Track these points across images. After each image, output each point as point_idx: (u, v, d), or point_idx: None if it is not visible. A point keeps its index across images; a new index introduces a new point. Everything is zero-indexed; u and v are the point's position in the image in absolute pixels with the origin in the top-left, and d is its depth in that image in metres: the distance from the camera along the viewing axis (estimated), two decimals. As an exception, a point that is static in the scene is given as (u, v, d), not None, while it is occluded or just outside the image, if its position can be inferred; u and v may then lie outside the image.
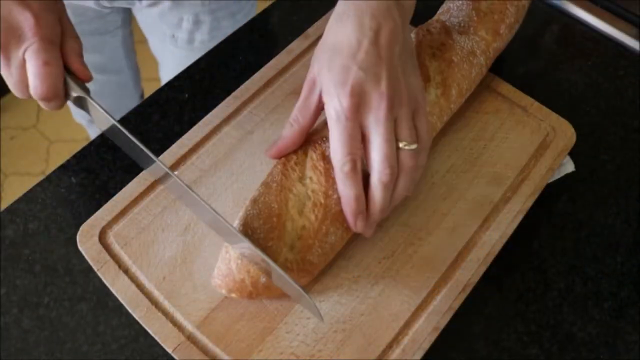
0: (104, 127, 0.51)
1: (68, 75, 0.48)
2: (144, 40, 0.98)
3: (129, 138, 0.48)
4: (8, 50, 0.46)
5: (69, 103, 0.51)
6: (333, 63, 0.47)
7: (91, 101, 0.48)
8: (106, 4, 0.82)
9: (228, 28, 0.87)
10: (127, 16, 0.94)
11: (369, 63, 0.47)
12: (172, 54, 0.91)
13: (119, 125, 0.48)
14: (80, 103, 0.49)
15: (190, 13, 0.83)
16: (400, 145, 0.48)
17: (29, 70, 0.46)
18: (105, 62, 0.97)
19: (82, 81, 0.50)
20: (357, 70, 0.46)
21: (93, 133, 1.21)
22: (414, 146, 0.48)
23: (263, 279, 0.47)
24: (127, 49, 1.01)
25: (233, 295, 0.49)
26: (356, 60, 0.47)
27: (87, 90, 0.49)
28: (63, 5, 0.50)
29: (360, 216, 0.48)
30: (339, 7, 0.50)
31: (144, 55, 1.07)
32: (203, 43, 0.88)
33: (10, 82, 0.48)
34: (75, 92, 0.48)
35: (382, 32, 0.47)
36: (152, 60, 1.03)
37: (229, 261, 0.48)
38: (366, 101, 0.47)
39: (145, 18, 0.88)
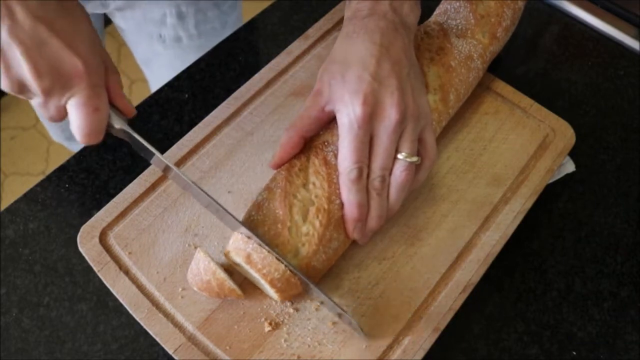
0: (145, 154, 0.50)
1: (110, 109, 0.47)
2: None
3: (168, 165, 0.49)
4: (50, 95, 0.43)
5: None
6: (347, 74, 0.48)
7: (131, 131, 0.48)
8: None
9: (215, 20, 0.86)
10: (102, 29, 0.93)
11: (382, 76, 0.48)
12: (162, 57, 0.89)
13: (159, 155, 0.49)
14: (120, 133, 0.49)
15: (172, 6, 0.81)
16: (400, 156, 0.49)
17: (76, 117, 0.44)
18: None
19: (125, 116, 0.49)
20: (372, 81, 0.48)
21: (74, 148, 1.18)
22: (414, 159, 0.49)
23: (229, 284, 0.48)
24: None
25: (203, 293, 0.49)
26: (370, 72, 0.48)
27: (126, 121, 0.48)
28: (101, 40, 0.47)
29: (359, 224, 0.49)
30: (347, 27, 0.51)
31: (130, 57, 1.05)
32: (192, 39, 0.86)
33: (42, 114, 0.47)
34: (118, 124, 0.47)
35: (392, 49, 0.49)
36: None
37: (199, 261, 0.48)
38: (378, 111, 0.48)
39: (129, 22, 0.86)
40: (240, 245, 0.48)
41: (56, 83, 0.43)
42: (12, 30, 0.41)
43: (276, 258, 0.47)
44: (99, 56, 0.45)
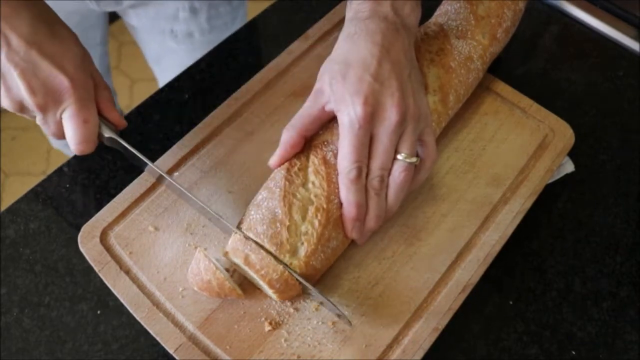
0: (138, 163, 0.54)
1: (100, 119, 0.51)
2: (133, 42, 0.97)
3: (154, 169, 0.53)
4: (46, 111, 0.48)
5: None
6: (348, 74, 0.49)
7: (120, 140, 0.52)
8: (94, 5, 0.80)
9: (226, 15, 0.87)
10: (106, 32, 0.94)
11: (383, 76, 0.48)
12: (173, 54, 0.90)
13: (146, 160, 0.52)
14: (111, 142, 0.52)
15: (185, 1, 0.82)
16: (399, 157, 0.49)
17: (68, 128, 0.49)
18: None
19: (116, 127, 0.53)
20: (373, 81, 0.48)
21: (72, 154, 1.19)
22: (413, 160, 0.50)
23: (229, 283, 0.48)
24: (104, 70, 1.01)
25: (204, 293, 0.49)
26: (371, 72, 0.48)
27: (116, 131, 0.52)
28: (91, 58, 0.52)
29: (357, 223, 0.49)
30: (348, 28, 0.52)
31: (131, 57, 1.05)
32: (203, 34, 0.87)
33: (47, 132, 0.51)
34: (107, 134, 0.51)
35: (393, 50, 0.49)
36: (141, 60, 1.01)
37: (199, 261, 0.49)
38: (379, 112, 0.48)
39: (142, 19, 0.87)
40: (239, 246, 0.48)
41: (49, 99, 0.47)
42: (9, 56, 0.46)
43: (274, 259, 0.47)
44: (87, 74, 0.49)
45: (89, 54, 0.52)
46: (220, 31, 0.88)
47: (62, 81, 0.47)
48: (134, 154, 0.52)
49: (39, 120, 0.50)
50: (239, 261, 0.48)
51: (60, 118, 0.49)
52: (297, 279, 0.47)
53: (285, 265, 0.47)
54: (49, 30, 0.48)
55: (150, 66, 1.01)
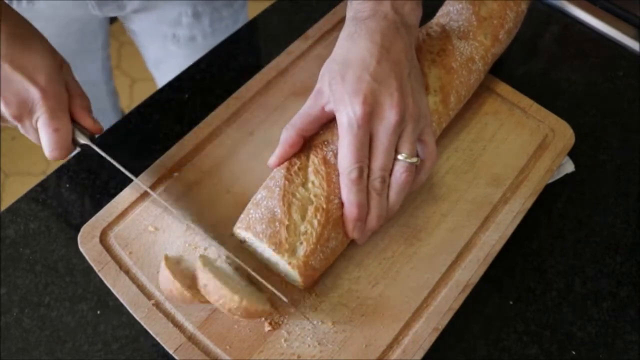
0: (110, 164, 0.55)
1: (74, 126, 0.53)
2: (131, 42, 0.97)
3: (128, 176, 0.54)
4: (22, 120, 0.51)
5: None
6: (347, 74, 0.49)
7: (93, 146, 0.54)
8: (96, 11, 0.79)
9: (229, 18, 0.87)
10: (107, 36, 0.94)
11: (382, 76, 0.48)
12: (174, 58, 0.90)
13: (119, 167, 0.54)
14: (87, 148, 0.54)
15: (188, 5, 0.83)
16: (400, 157, 0.49)
17: (42, 136, 0.51)
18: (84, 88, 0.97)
19: (92, 134, 0.55)
20: (371, 81, 0.48)
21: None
22: (414, 160, 0.50)
23: (187, 293, 0.47)
24: (107, 73, 1.01)
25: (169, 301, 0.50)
26: (369, 72, 0.48)
27: (92, 138, 0.54)
28: (69, 68, 0.54)
29: (358, 223, 0.49)
30: (348, 28, 0.52)
31: (131, 57, 1.05)
32: (206, 38, 0.87)
33: (31, 139, 0.54)
34: (82, 140, 0.54)
35: (392, 49, 0.49)
36: (142, 59, 1.01)
37: (163, 269, 0.48)
38: (377, 111, 0.48)
39: (143, 24, 0.87)
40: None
41: (22, 110, 0.50)
42: None
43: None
44: (60, 84, 0.52)
45: (68, 65, 0.54)
46: (222, 34, 0.87)
47: (33, 92, 0.49)
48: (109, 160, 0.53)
49: (20, 129, 0.52)
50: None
51: (36, 126, 0.51)
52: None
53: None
54: (23, 45, 0.50)
55: (149, 70, 1.00)
